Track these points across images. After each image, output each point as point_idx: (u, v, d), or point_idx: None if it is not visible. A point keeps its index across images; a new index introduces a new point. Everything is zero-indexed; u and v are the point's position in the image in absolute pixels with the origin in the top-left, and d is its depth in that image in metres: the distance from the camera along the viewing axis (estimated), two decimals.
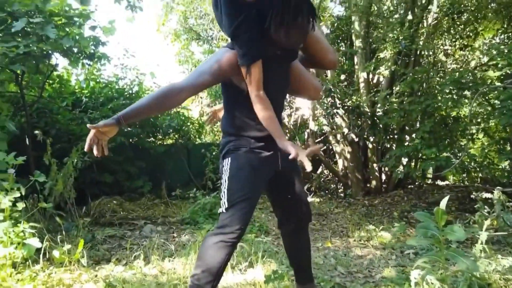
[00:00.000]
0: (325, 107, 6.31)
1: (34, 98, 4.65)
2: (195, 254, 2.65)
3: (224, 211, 1.61)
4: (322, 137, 7.18)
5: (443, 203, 1.79)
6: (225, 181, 1.66)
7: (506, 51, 4.27)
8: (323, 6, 7.30)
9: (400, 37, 5.20)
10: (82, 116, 5.15)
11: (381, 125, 5.86)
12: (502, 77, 4.40)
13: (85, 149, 1.49)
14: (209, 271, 1.55)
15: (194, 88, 1.60)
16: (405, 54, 5.69)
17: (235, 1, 1.53)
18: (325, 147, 7.21)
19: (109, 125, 1.48)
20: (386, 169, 6.24)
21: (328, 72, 6.44)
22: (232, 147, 1.71)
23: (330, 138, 6.69)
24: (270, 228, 4.02)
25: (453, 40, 6.65)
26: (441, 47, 6.67)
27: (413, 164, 5.87)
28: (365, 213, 5.04)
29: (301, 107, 7.60)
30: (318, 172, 7.37)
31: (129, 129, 5.68)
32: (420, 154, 5.38)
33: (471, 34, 6.36)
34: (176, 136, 6.67)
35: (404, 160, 5.61)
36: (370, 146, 6.41)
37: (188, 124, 7.00)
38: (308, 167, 1.50)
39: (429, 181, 7.27)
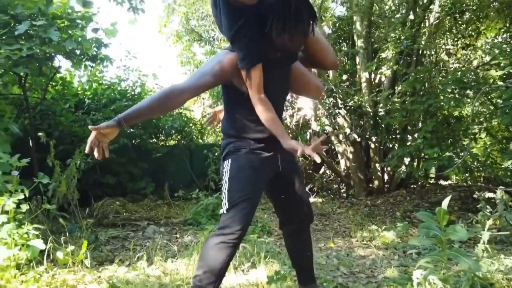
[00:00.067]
0: (327, 107, 6.31)
1: (37, 100, 4.68)
2: (198, 255, 2.65)
3: (225, 212, 1.62)
4: (322, 139, 7.16)
5: (445, 203, 1.79)
6: (226, 182, 1.67)
7: (508, 50, 4.26)
8: (324, 6, 7.30)
9: (402, 37, 5.19)
10: (85, 118, 5.18)
11: (383, 125, 5.85)
12: (504, 76, 4.39)
13: (86, 151, 1.49)
14: (211, 272, 1.56)
15: (195, 89, 1.61)
16: (407, 53, 5.68)
17: (234, 4, 1.53)
18: (327, 147, 7.20)
19: (110, 126, 1.48)
20: (389, 169, 6.23)
21: (330, 72, 6.44)
22: (233, 148, 1.72)
23: (332, 138, 6.69)
24: (272, 228, 4.03)
25: (455, 39, 6.63)
26: (443, 46, 6.65)
27: (415, 164, 5.86)
28: (368, 213, 5.04)
29: (303, 108, 7.61)
30: (321, 172, 7.36)
31: (131, 130, 5.70)
32: (423, 154, 5.37)
33: (473, 33, 6.34)
34: (179, 137, 6.69)
35: (407, 160, 5.60)
36: (372, 146, 6.40)
37: (190, 125, 7.02)
38: (318, 159, 1.52)
39: (432, 181, 7.25)
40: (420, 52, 5.92)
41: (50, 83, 4.70)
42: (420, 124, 5.39)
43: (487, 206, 3.19)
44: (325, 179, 7.40)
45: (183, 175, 6.39)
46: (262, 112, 1.62)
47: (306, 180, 7.08)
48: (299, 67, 1.82)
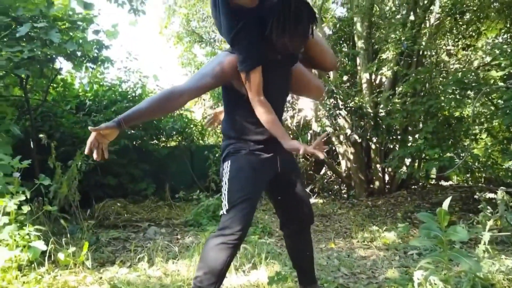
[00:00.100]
0: (327, 108, 6.31)
1: (39, 102, 4.69)
2: (199, 256, 2.66)
3: (225, 213, 1.62)
4: (325, 138, 7.17)
5: (446, 204, 1.79)
6: (225, 183, 1.67)
7: (509, 50, 4.26)
8: (325, 7, 7.31)
9: (402, 38, 5.20)
10: (86, 119, 5.19)
11: (384, 126, 5.85)
12: (505, 76, 4.39)
13: (86, 153, 1.48)
14: (212, 273, 1.56)
15: (195, 90, 1.61)
16: (408, 54, 5.68)
17: (234, 7, 1.54)
18: (328, 148, 7.20)
19: (110, 127, 1.47)
20: (389, 169, 6.23)
21: (331, 73, 6.45)
22: (232, 149, 1.72)
23: (333, 139, 6.69)
24: (273, 229, 4.03)
25: (456, 40, 6.63)
26: (444, 47, 6.65)
27: (416, 164, 5.86)
28: (369, 214, 5.04)
29: (303, 108, 7.61)
30: (321, 173, 7.37)
31: (132, 131, 5.71)
32: (423, 155, 5.37)
33: (473, 34, 6.34)
34: (179, 138, 6.70)
35: (407, 161, 5.60)
36: (373, 147, 6.40)
37: (191, 126, 7.03)
38: (321, 155, 1.52)
39: (433, 182, 7.25)
40: (421, 53, 5.93)
41: (51, 84, 4.71)
42: (420, 125, 5.39)
43: (488, 207, 3.19)
44: (326, 180, 7.40)
45: (184, 176, 6.39)
46: (262, 114, 1.63)
47: (307, 181, 7.08)
48: (300, 67, 1.83)
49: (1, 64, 3.22)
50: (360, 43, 6.28)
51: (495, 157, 5.16)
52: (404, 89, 5.26)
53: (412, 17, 5.72)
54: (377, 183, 6.41)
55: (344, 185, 7.01)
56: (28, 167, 2.82)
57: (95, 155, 1.48)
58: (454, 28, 6.40)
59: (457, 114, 5.40)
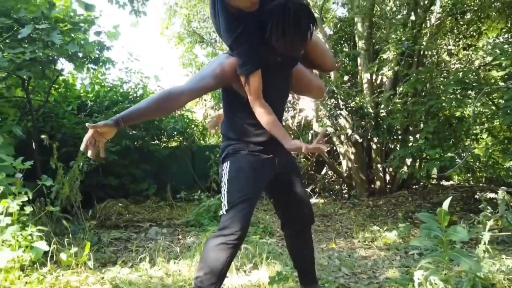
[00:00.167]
0: (328, 108, 6.31)
1: (40, 103, 4.71)
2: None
3: (224, 213, 1.62)
4: (326, 138, 7.17)
5: (446, 204, 1.80)
6: (225, 183, 1.68)
7: (509, 50, 4.26)
8: (325, 7, 7.31)
9: (403, 38, 5.20)
10: (87, 120, 5.20)
11: (384, 126, 5.85)
12: (506, 76, 4.39)
13: (81, 149, 1.46)
14: (212, 273, 1.57)
15: (195, 91, 1.61)
16: (408, 54, 5.68)
17: (233, 11, 1.53)
18: (329, 148, 7.21)
19: (108, 125, 1.46)
20: (390, 169, 6.23)
21: (332, 73, 6.46)
22: (231, 150, 1.73)
23: (334, 139, 6.69)
24: (274, 229, 4.04)
25: (456, 40, 6.62)
26: (444, 47, 6.65)
27: (417, 164, 5.86)
28: (370, 214, 5.04)
29: (304, 109, 7.62)
30: (322, 173, 7.37)
31: (133, 132, 5.73)
32: (424, 155, 5.37)
33: (474, 33, 6.33)
34: (181, 138, 6.71)
35: (408, 161, 5.60)
36: (374, 147, 6.40)
37: (192, 126, 7.04)
38: (324, 147, 1.52)
39: (434, 182, 7.24)
40: (421, 53, 5.93)
41: (53, 85, 4.73)
42: (421, 125, 5.39)
43: (488, 207, 3.19)
44: (327, 180, 7.41)
45: (185, 176, 6.40)
46: (262, 115, 1.63)
47: (308, 181, 7.09)
48: (301, 67, 1.83)
49: (3, 65, 3.24)
50: (361, 43, 6.28)
51: (496, 157, 5.16)
52: (405, 89, 5.26)
53: (412, 17, 5.72)
54: (378, 183, 6.41)
55: (345, 185, 7.01)
56: (30, 168, 2.84)
57: (89, 153, 1.46)
58: (455, 28, 6.39)
59: (458, 114, 5.40)
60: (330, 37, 7.00)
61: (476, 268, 1.69)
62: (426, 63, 6.28)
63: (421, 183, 6.79)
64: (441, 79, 5.43)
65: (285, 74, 1.76)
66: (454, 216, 4.17)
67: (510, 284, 2.10)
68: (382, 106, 5.83)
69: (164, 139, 6.67)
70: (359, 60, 6.46)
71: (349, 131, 6.31)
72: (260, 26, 1.52)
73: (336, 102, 6.22)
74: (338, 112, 6.26)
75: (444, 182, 7.32)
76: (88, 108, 5.59)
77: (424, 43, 5.60)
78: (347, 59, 6.95)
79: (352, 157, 6.47)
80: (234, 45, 1.59)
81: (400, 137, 5.98)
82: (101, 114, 5.39)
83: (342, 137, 6.52)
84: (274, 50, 1.55)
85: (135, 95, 6.18)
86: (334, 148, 6.97)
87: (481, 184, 5.98)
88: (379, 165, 6.32)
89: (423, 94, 5.33)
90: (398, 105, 5.28)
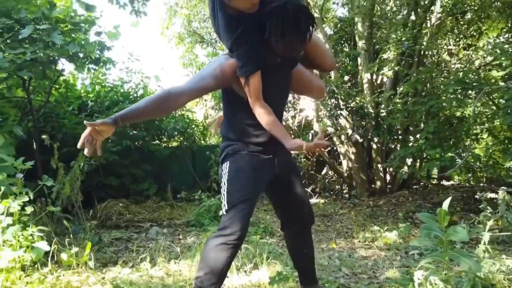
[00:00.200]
0: (329, 108, 6.32)
1: (41, 103, 4.72)
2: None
3: (224, 213, 1.63)
4: (326, 138, 7.17)
5: (446, 204, 1.80)
6: (224, 183, 1.68)
7: (510, 50, 4.25)
8: (326, 7, 7.31)
9: (403, 38, 5.20)
10: (88, 120, 5.21)
11: (385, 126, 5.85)
12: (506, 76, 4.39)
13: (78, 146, 1.46)
14: (212, 273, 1.57)
15: (195, 91, 1.61)
16: (409, 54, 5.69)
17: (232, 13, 1.54)
18: (329, 148, 7.21)
19: (106, 124, 1.46)
20: (391, 169, 6.23)
21: (332, 73, 6.46)
22: (231, 151, 1.73)
23: (334, 139, 6.70)
24: (275, 229, 4.04)
25: (457, 40, 6.62)
26: (445, 47, 6.65)
27: (417, 164, 5.86)
28: (370, 214, 5.04)
29: (305, 109, 7.62)
30: (323, 173, 7.37)
31: (134, 132, 5.74)
32: (425, 155, 5.37)
33: (474, 33, 6.33)
34: (181, 138, 6.72)
35: (409, 161, 5.60)
36: (375, 146, 6.40)
37: (193, 126, 7.05)
38: (325, 143, 1.52)
39: (434, 182, 7.24)
40: (422, 53, 5.93)
41: (54, 86, 4.74)
42: (422, 125, 5.39)
43: (488, 207, 3.19)
44: (327, 180, 7.41)
45: (185, 176, 6.41)
46: (263, 116, 1.63)
47: (309, 181, 7.09)
48: (301, 68, 1.83)
49: (4, 65, 3.24)
50: (361, 43, 6.28)
51: (496, 157, 5.16)
52: (405, 89, 5.27)
53: (413, 17, 5.72)
54: (378, 183, 6.41)
55: (346, 185, 7.01)
56: (31, 168, 2.85)
57: (86, 151, 1.46)
58: (455, 28, 6.39)
59: (458, 114, 5.40)
60: (330, 37, 7.00)
61: (476, 268, 1.69)
62: (426, 63, 6.28)
63: (422, 183, 6.79)
64: (442, 79, 5.43)
65: (285, 74, 1.76)
66: (454, 216, 4.17)
67: (510, 284, 2.11)
68: (383, 106, 5.83)
69: (165, 139, 6.68)
70: (359, 60, 6.46)
71: (350, 131, 6.31)
72: (259, 27, 1.53)
73: (336, 102, 6.22)
74: (339, 112, 6.26)
75: (444, 182, 7.32)
76: (88, 108, 5.60)
77: (425, 43, 5.60)
78: (348, 59, 6.96)
79: (352, 157, 6.48)
80: (234, 46, 1.59)
81: (400, 137, 5.98)
82: (102, 114, 5.40)
83: (343, 137, 6.52)
84: (274, 51, 1.55)
85: (135, 95, 6.19)
86: (335, 148, 6.97)
87: (481, 184, 5.98)
88: (379, 165, 6.32)
89: (424, 94, 5.33)
90: (399, 105, 5.28)
